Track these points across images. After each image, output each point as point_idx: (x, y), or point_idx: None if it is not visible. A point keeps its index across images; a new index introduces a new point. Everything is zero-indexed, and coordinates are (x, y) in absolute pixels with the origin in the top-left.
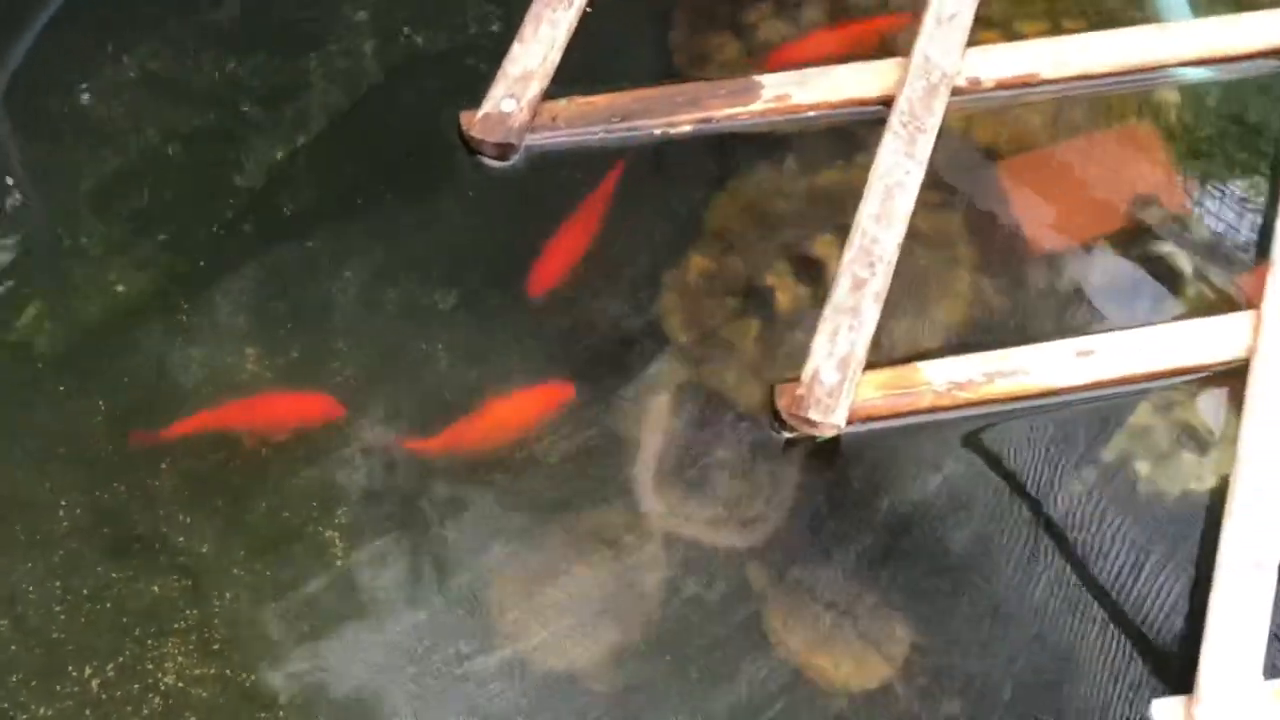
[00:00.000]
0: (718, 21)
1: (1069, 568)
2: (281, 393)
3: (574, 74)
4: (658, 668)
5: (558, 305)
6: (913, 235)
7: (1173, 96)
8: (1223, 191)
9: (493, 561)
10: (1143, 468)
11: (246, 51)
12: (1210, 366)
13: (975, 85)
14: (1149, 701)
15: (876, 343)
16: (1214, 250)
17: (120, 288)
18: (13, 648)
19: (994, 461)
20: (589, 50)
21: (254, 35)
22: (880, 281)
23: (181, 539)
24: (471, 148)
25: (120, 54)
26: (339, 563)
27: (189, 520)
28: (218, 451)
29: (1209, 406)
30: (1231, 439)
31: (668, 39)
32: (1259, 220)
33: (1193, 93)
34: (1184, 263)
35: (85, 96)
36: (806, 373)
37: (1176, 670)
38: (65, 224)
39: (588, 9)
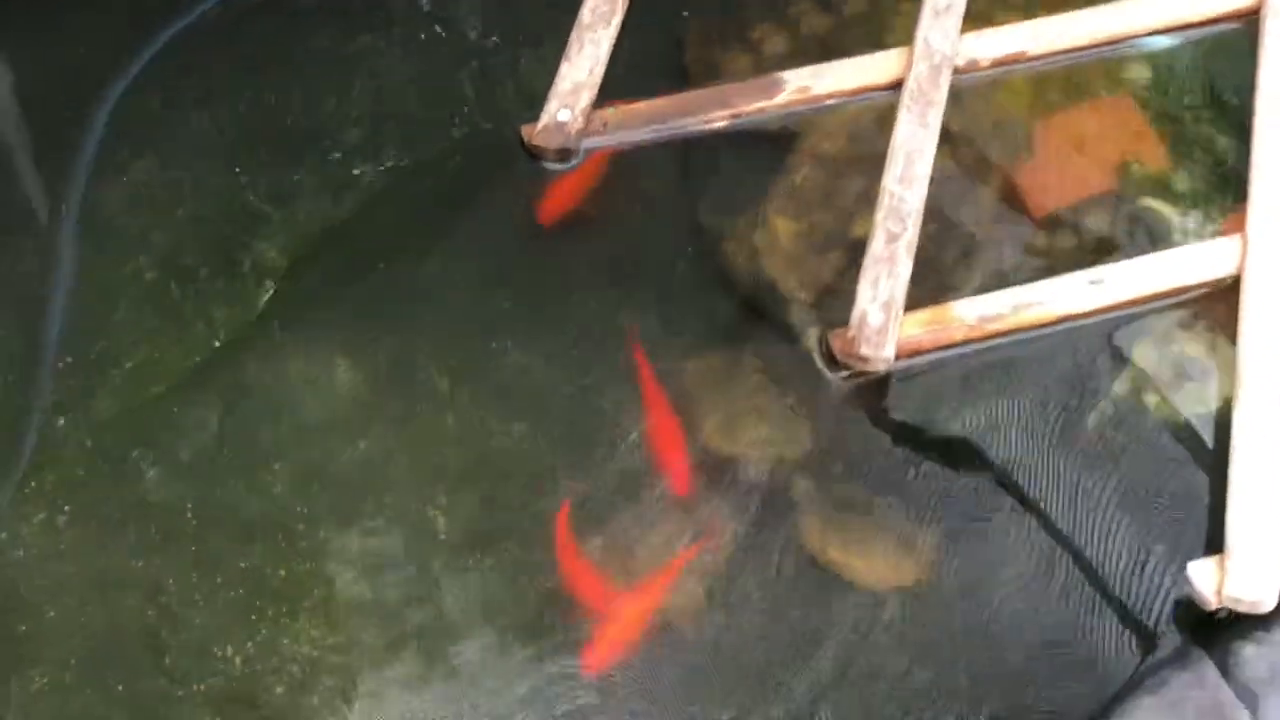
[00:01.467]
0: (726, 39)
1: (1097, 473)
2: None
3: (608, 90)
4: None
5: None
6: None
7: (1145, 64)
8: (1197, 146)
9: None
10: (1157, 390)
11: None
12: (1206, 285)
13: (973, 65)
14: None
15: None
16: (1195, 198)
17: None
18: (162, 633)
19: (1025, 386)
20: (616, 70)
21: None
22: (911, 234)
23: None
24: (534, 155)
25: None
26: None
27: None
28: None
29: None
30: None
31: (683, 57)
32: (1233, 169)
33: (1164, 58)
34: (1170, 213)
35: None
36: (854, 317)
37: (1208, 538)
38: None
39: None
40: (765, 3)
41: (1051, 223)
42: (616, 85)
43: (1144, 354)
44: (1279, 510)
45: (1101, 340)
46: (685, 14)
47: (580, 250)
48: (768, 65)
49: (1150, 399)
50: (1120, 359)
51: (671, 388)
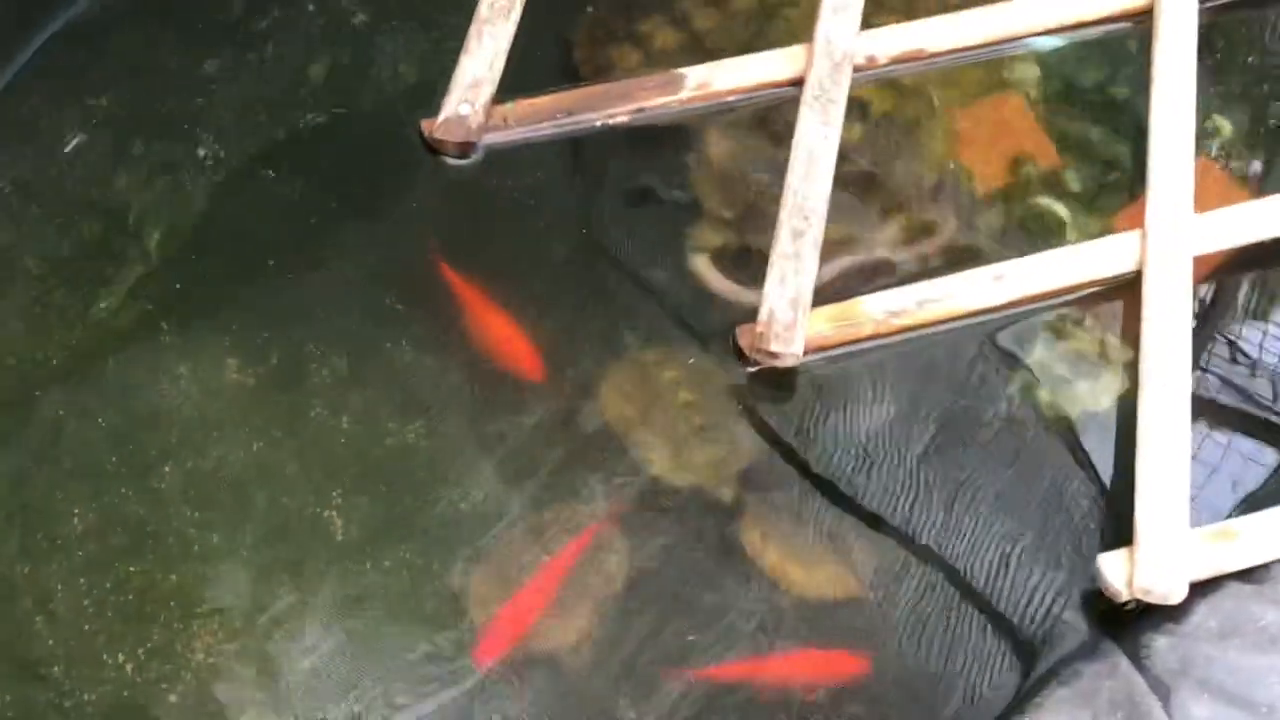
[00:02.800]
0: (616, 35)
1: (1005, 468)
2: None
3: (526, 75)
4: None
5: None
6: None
7: (1037, 63)
8: (1087, 144)
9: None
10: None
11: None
12: (1107, 280)
13: (872, 62)
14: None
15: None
16: (1086, 196)
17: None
18: (50, 642)
19: (934, 380)
20: (535, 54)
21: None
22: (815, 230)
23: None
24: (434, 149)
25: None
26: None
27: None
28: None
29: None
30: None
31: (574, 54)
32: (1123, 166)
33: (1056, 57)
34: (1062, 211)
35: None
36: (763, 313)
37: (1116, 530)
38: None
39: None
40: (654, 5)
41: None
42: (509, 80)
43: (1046, 349)
44: (1185, 503)
45: (1008, 334)
46: (577, 9)
47: (480, 248)
48: (657, 61)
49: (1051, 394)
50: (1025, 353)
51: (578, 380)
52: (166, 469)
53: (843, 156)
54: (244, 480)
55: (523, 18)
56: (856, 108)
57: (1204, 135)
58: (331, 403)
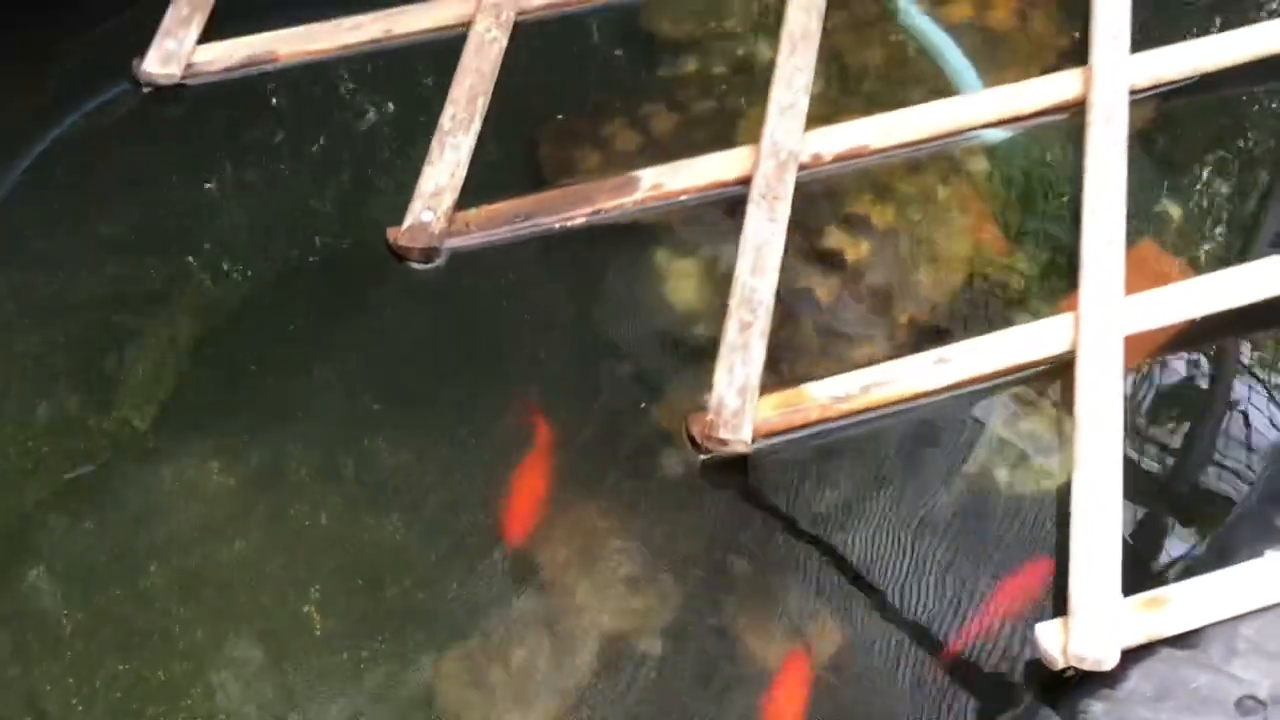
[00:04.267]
0: (580, 137)
1: (951, 544)
2: None
3: (488, 182)
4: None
5: None
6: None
7: (982, 155)
8: (1034, 232)
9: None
10: (1006, 462)
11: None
12: (1044, 361)
13: (817, 160)
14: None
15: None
16: (1034, 282)
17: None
18: None
19: (883, 461)
20: (476, 172)
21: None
22: (763, 322)
23: None
24: (400, 256)
25: None
26: None
27: None
28: None
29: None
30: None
31: (538, 156)
32: (1067, 252)
33: (999, 149)
34: (1012, 296)
35: None
36: (712, 402)
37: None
38: None
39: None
40: (618, 103)
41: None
42: (481, 182)
43: (994, 429)
44: (1117, 573)
45: (955, 414)
46: (545, 115)
47: (448, 349)
48: (618, 162)
49: (1000, 472)
50: (971, 432)
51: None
52: (153, 568)
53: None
54: (227, 579)
55: (495, 122)
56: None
57: (1155, 220)
58: (311, 500)
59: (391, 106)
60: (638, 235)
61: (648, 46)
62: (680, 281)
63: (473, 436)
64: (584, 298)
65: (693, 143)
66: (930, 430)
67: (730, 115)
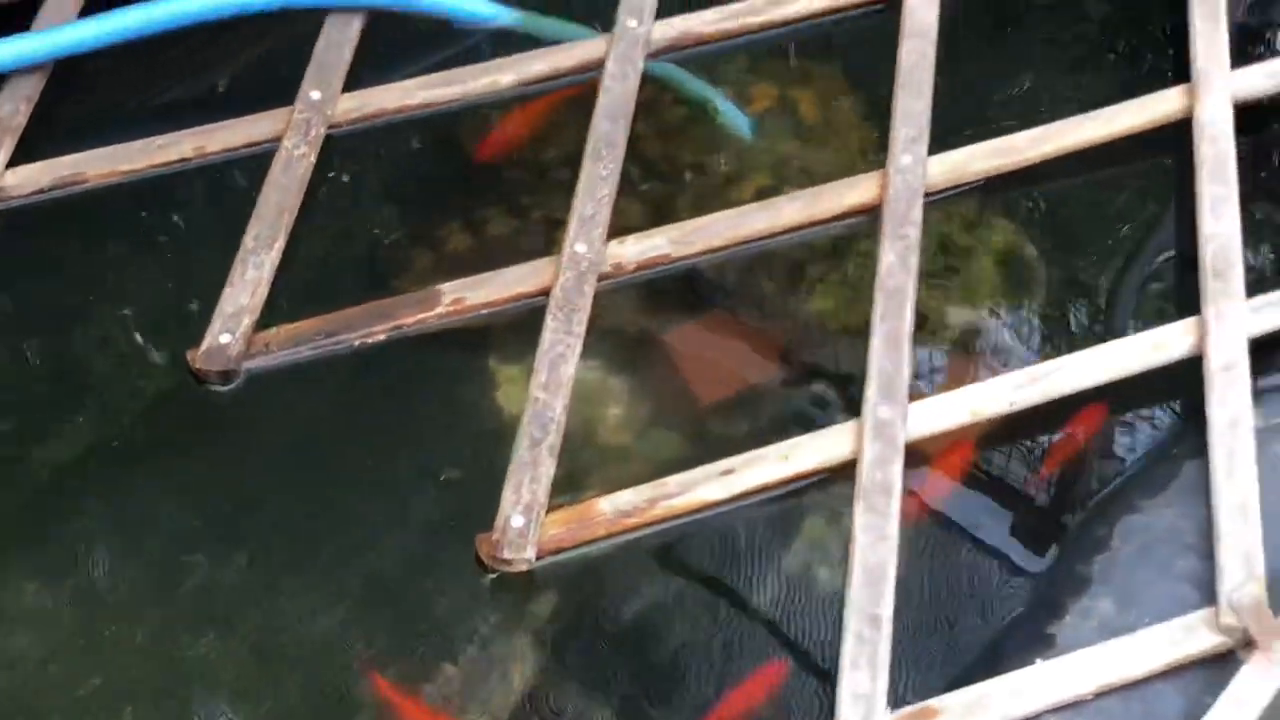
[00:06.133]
0: (416, 239)
1: (740, 651)
2: None
3: (293, 300)
4: None
5: None
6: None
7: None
8: (833, 340)
9: None
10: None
11: None
12: (827, 469)
13: (619, 269)
14: None
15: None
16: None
17: None
18: None
19: (684, 571)
20: (301, 280)
21: None
22: (554, 438)
23: None
24: (199, 378)
25: None
26: None
27: None
28: None
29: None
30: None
31: (375, 258)
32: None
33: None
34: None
35: None
36: (498, 522)
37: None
38: None
39: None
40: (434, 214)
41: (715, 411)
42: (304, 296)
43: (791, 535)
44: (884, 684)
45: (749, 523)
46: (354, 230)
47: (256, 470)
48: (448, 263)
49: (798, 574)
50: (766, 540)
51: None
52: None
53: None
54: (40, 705)
55: (306, 239)
56: None
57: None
58: (127, 620)
59: (202, 225)
60: (442, 345)
61: (460, 158)
62: (507, 389)
63: (288, 554)
64: (388, 414)
65: (526, 246)
66: (724, 539)
67: (549, 225)
